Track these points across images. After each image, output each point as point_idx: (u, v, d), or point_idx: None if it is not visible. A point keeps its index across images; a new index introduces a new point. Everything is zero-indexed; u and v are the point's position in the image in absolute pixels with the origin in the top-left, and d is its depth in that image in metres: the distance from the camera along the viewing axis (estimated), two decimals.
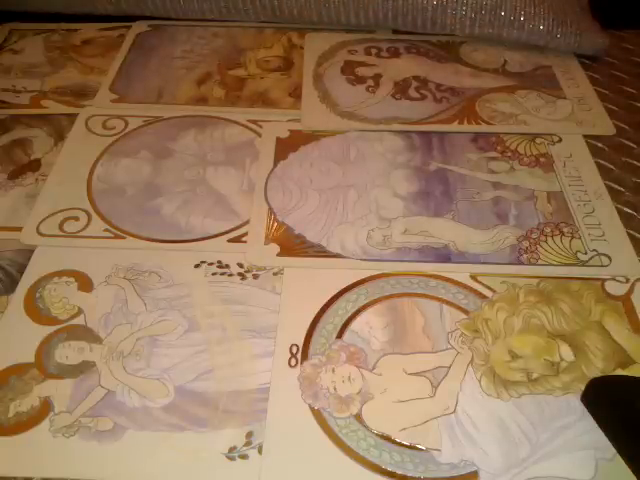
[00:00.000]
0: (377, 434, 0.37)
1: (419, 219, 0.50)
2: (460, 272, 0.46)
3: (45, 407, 0.39)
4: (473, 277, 0.46)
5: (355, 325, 0.43)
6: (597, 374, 0.40)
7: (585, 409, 0.38)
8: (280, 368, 0.40)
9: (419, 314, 0.43)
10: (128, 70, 0.66)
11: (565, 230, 0.49)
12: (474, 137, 0.58)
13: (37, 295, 0.45)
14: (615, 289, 0.45)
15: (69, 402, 0.39)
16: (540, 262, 0.46)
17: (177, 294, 0.45)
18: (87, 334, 0.43)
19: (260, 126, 0.59)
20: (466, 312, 0.43)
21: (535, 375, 0.40)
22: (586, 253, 0.47)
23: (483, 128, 0.59)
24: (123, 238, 0.49)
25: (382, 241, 0.48)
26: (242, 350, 0.42)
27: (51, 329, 0.43)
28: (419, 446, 0.37)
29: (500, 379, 0.40)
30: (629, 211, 0.51)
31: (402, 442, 0.37)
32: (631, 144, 0.58)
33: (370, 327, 0.43)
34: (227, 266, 0.47)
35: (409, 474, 0.36)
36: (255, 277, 0.46)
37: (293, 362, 0.41)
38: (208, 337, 0.42)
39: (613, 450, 0.36)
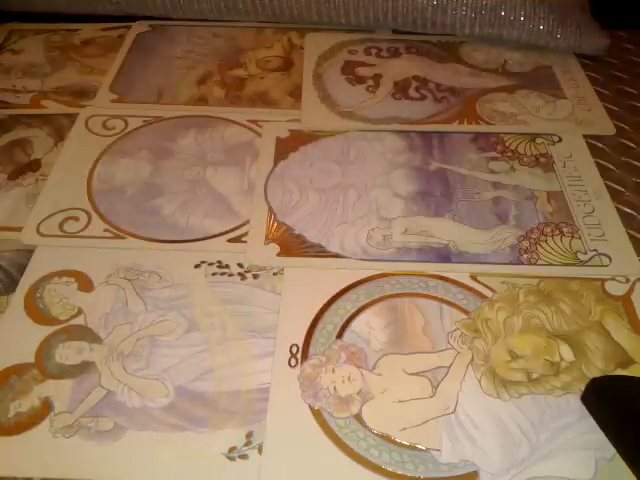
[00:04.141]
0: (377, 434, 0.37)
1: (419, 219, 0.50)
2: (460, 272, 0.46)
3: (45, 407, 0.39)
4: (473, 277, 0.46)
5: (355, 325, 0.43)
6: (597, 374, 0.40)
7: (585, 409, 0.38)
8: (280, 368, 0.40)
9: (419, 314, 0.43)
10: (128, 70, 0.66)
11: (565, 230, 0.49)
12: (474, 137, 0.58)
13: (37, 295, 0.45)
14: (615, 289, 0.45)
15: (69, 402, 0.39)
16: (540, 262, 0.46)
17: (177, 294, 0.45)
18: (87, 334, 0.43)
19: (260, 126, 0.59)
20: (466, 312, 0.43)
21: (535, 375, 0.40)
22: (586, 253, 0.47)
23: (483, 128, 0.59)
24: (123, 238, 0.49)
25: (382, 241, 0.48)
26: (242, 350, 0.42)
27: (51, 329, 0.43)
28: (419, 446, 0.37)
29: (500, 379, 0.40)
30: (629, 211, 0.51)
31: (402, 442, 0.37)
32: (631, 144, 0.58)
33: (370, 327, 0.43)
34: (227, 266, 0.47)
35: (409, 474, 0.36)
36: (255, 277, 0.46)
37: (293, 362, 0.41)
38: (208, 337, 0.42)
39: (613, 450, 0.36)
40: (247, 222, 0.50)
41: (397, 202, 0.51)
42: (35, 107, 0.62)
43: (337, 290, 0.45)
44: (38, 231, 0.49)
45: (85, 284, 0.45)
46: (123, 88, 0.64)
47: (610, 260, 0.47)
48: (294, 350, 0.41)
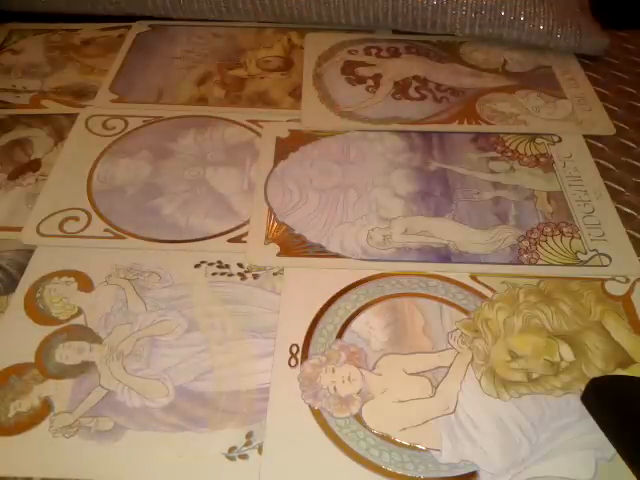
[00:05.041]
0: (377, 434, 0.38)
1: (419, 219, 0.50)
2: (460, 272, 0.46)
3: (45, 407, 0.39)
4: (473, 277, 0.46)
5: (355, 325, 0.43)
6: (597, 374, 0.40)
7: (585, 409, 0.38)
8: (280, 368, 0.40)
9: (419, 314, 0.43)
10: (128, 70, 0.66)
11: (565, 230, 0.49)
12: (474, 137, 0.58)
13: (37, 295, 0.45)
14: (615, 289, 0.45)
15: (69, 402, 0.39)
16: (540, 262, 0.47)
17: (177, 294, 0.45)
18: (87, 334, 0.43)
19: (260, 126, 0.59)
20: (466, 312, 0.43)
21: (535, 375, 0.40)
22: (586, 253, 0.47)
23: (483, 128, 0.59)
24: (123, 238, 0.49)
25: (382, 241, 0.48)
26: (242, 350, 0.42)
27: (51, 329, 0.43)
28: (419, 446, 0.37)
29: (500, 379, 0.40)
30: (629, 211, 0.51)
31: (402, 442, 0.37)
32: (631, 144, 0.58)
33: (370, 327, 0.43)
34: (227, 266, 0.47)
35: (409, 474, 0.36)
36: (255, 277, 0.46)
37: (293, 362, 0.41)
38: (208, 337, 0.42)
39: (613, 450, 0.36)
40: (247, 222, 0.50)
41: (397, 202, 0.51)
42: (35, 107, 0.62)
43: (337, 290, 0.45)
44: (38, 231, 0.49)
45: (85, 284, 0.45)
46: (123, 88, 0.64)
47: (610, 260, 0.47)
48: (294, 350, 0.41)
